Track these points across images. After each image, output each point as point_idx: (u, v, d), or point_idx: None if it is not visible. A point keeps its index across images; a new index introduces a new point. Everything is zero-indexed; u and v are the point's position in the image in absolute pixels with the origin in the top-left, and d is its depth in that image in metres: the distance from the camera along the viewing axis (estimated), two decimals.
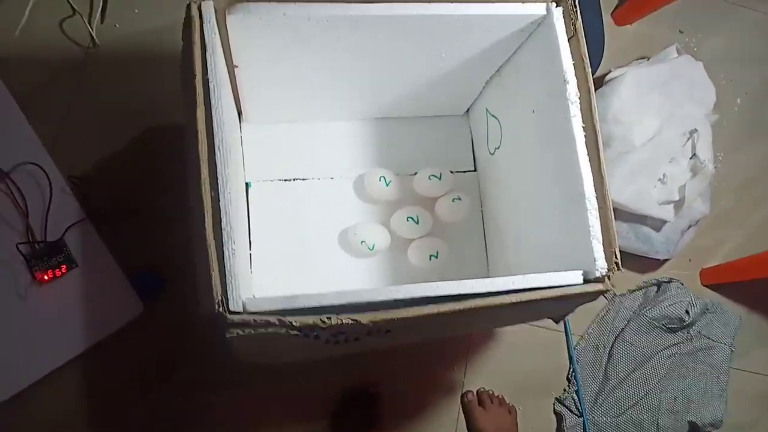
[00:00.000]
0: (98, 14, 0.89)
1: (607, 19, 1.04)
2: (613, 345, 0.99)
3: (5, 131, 0.83)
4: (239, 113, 0.85)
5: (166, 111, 0.87)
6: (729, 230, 1.05)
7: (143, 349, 0.85)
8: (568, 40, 0.63)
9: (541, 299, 0.59)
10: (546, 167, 0.69)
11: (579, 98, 0.62)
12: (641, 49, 1.04)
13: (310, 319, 0.54)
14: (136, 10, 0.91)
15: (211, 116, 0.55)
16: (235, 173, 0.68)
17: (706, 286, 1.04)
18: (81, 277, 0.82)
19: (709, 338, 1.01)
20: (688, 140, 0.90)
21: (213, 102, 0.55)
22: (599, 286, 0.60)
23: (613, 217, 0.61)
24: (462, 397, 0.93)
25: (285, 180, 0.87)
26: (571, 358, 0.99)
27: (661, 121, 0.89)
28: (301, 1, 0.59)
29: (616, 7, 1.06)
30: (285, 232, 0.85)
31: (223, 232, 0.54)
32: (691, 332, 1.00)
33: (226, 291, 0.53)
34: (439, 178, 0.87)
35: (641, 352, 0.99)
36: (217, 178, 0.55)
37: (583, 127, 0.62)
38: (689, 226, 0.95)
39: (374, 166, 0.89)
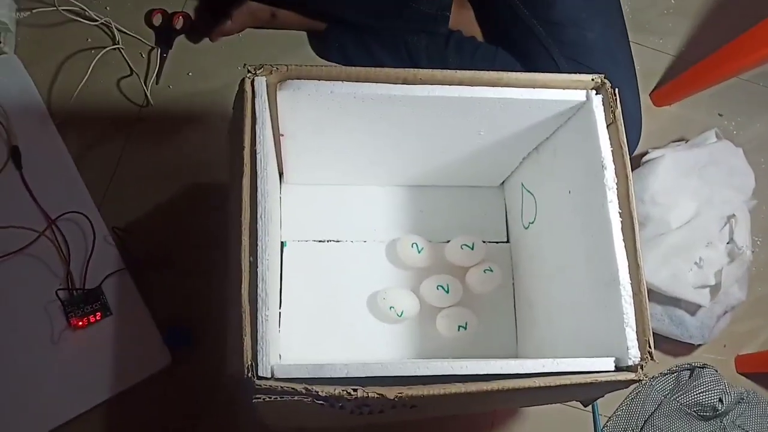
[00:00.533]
0: (154, 76, 0.94)
1: (645, 100, 1.05)
2: (642, 429, 0.96)
3: (58, 182, 0.87)
4: (280, 175, 0.87)
5: (210, 170, 0.91)
6: (766, 318, 1.02)
7: (168, 401, 0.86)
8: (607, 126, 0.64)
9: (571, 384, 0.59)
10: (580, 248, 0.69)
11: (617, 184, 0.63)
12: (679, 131, 1.04)
13: (336, 390, 0.54)
14: (190, 74, 0.96)
15: (257, 186, 0.57)
16: (274, 237, 0.70)
17: (741, 373, 1.01)
18: (114, 325, 0.84)
19: (744, 430, 0.97)
20: (725, 225, 0.89)
21: (259, 172, 0.57)
22: (631, 375, 0.59)
23: (647, 304, 0.61)
24: None
25: (319, 241, 0.89)
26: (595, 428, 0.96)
27: (698, 205, 0.88)
28: (347, 80, 0.61)
29: (654, 88, 1.08)
30: (315, 293, 0.86)
31: (258, 298, 0.55)
32: (725, 422, 0.96)
33: (256, 356, 0.54)
34: (472, 248, 0.87)
35: None
36: (257, 246, 0.56)
37: (619, 213, 0.62)
38: (725, 312, 0.93)
39: (407, 232, 0.90)
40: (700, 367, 0.98)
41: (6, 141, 0.87)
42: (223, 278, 0.79)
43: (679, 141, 1.03)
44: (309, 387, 0.53)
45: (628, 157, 0.64)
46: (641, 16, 1.08)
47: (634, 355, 0.59)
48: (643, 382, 0.98)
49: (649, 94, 1.07)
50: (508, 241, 0.93)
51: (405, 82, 0.63)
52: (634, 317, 0.60)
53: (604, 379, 0.59)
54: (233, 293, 0.56)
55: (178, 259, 0.87)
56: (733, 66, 0.91)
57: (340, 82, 0.62)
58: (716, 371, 0.97)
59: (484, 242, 0.90)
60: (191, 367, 0.85)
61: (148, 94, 0.93)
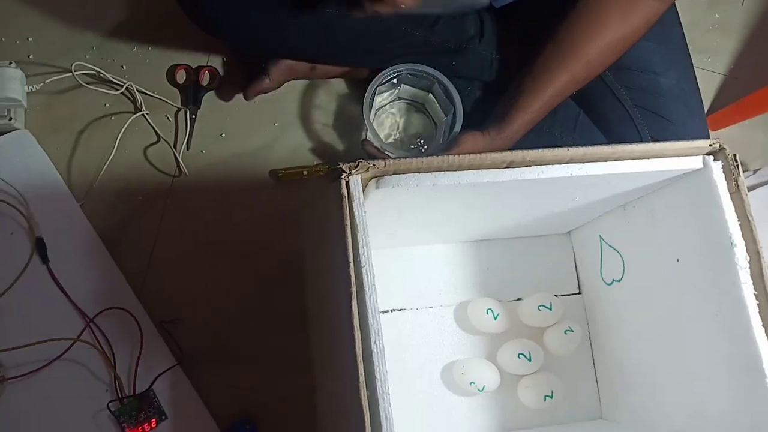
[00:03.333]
0: (185, 141, 0.85)
1: None
2: None
3: (91, 273, 0.78)
4: None
5: (258, 242, 0.82)
6: None
7: None
8: (731, 195, 0.59)
9: None
10: (699, 323, 0.63)
11: (749, 263, 0.57)
12: (739, 155, 1.00)
13: None
14: (223, 135, 0.87)
15: (366, 307, 0.50)
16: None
17: None
18: (172, 429, 0.76)
19: None
20: None
21: (367, 290, 0.50)
22: None
23: None
24: None
25: (382, 312, 0.81)
26: None
27: None
28: (449, 169, 0.54)
29: (709, 112, 1.03)
30: (401, 367, 0.80)
31: None
32: None
33: None
34: (550, 308, 0.81)
35: None
36: (375, 377, 0.49)
37: (755, 295, 0.56)
38: None
39: (473, 293, 0.84)
40: None
41: (28, 232, 0.78)
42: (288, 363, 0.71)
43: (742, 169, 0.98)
44: None
45: (757, 230, 0.58)
46: (686, 34, 1.02)
47: None
48: None
49: None
50: (579, 293, 0.87)
51: (512, 165, 0.56)
52: None
53: None
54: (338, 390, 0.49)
55: (233, 347, 0.79)
56: None
57: (443, 172, 0.54)
58: None
59: (556, 296, 0.85)
60: None
61: (181, 162, 0.84)
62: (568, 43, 0.71)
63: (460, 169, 0.55)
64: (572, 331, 0.81)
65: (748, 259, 0.57)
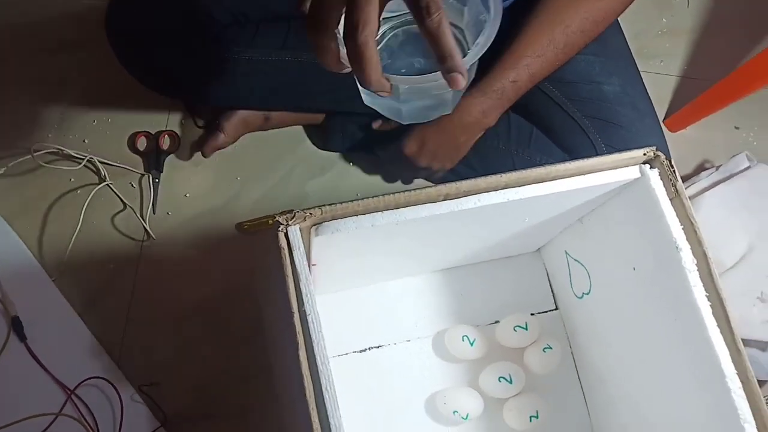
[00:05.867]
0: (150, 205, 0.86)
1: None
2: None
3: (68, 346, 0.79)
4: None
5: (232, 300, 0.83)
6: None
7: None
8: (671, 201, 0.59)
9: None
10: (661, 330, 0.63)
11: (696, 266, 0.57)
12: (702, 154, 1.00)
13: None
14: (187, 195, 0.89)
15: (315, 355, 0.50)
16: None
17: None
18: None
19: None
20: None
21: (314, 337, 0.51)
22: None
23: (759, 391, 0.55)
24: None
25: (360, 351, 0.82)
26: None
27: (750, 238, 0.84)
28: (387, 209, 0.55)
29: (667, 115, 1.03)
30: (366, 408, 0.79)
31: None
32: None
33: None
34: (526, 328, 0.81)
35: None
36: (329, 423, 0.49)
37: (707, 296, 0.57)
38: None
39: (450, 321, 0.84)
40: None
41: (3, 312, 0.79)
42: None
43: (705, 164, 0.98)
44: None
45: (701, 232, 0.58)
46: (637, 41, 1.04)
47: None
48: None
49: (663, 122, 1.02)
50: (556, 308, 0.87)
51: (447, 198, 0.57)
52: (750, 411, 0.54)
53: None
54: None
55: (215, 404, 0.80)
56: (755, 85, 0.87)
57: (380, 212, 0.55)
58: None
59: (532, 314, 0.85)
60: None
61: (147, 227, 0.85)
62: (549, 9, 0.73)
63: (397, 206, 0.56)
64: (551, 348, 0.80)
65: (695, 261, 0.57)
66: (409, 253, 0.76)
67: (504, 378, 0.79)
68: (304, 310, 0.52)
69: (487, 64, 0.76)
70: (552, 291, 0.88)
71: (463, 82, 0.38)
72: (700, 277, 0.57)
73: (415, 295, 0.86)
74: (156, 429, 0.77)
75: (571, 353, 0.85)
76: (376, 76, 0.38)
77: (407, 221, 0.56)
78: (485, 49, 0.43)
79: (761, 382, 0.92)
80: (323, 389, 0.50)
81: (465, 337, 0.80)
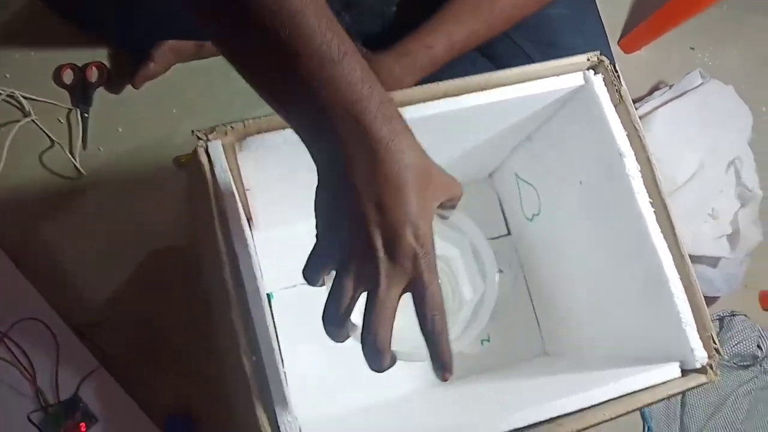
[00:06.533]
0: (80, 141, 0.81)
1: (614, 49, 0.98)
2: (684, 393, 0.92)
3: None
4: (248, 220, 0.77)
5: (168, 233, 0.80)
6: None
7: None
8: (615, 108, 0.57)
9: (642, 406, 0.53)
10: (608, 245, 0.62)
11: (640, 172, 0.55)
12: (657, 75, 0.98)
13: None
14: (119, 129, 0.84)
15: (239, 272, 0.48)
16: (260, 295, 0.61)
17: (767, 309, 0.97)
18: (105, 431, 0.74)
19: None
20: (729, 167, 0.84)
21: (240, 256, 0.48)
22: (702, 378, 0.54)
23: (702, 296, 0.55)
24: None
25: (303, 284, 0.79)
26: (643, 415, 0.92)
27: (701, 154, 0.83)
28: None
29: (621, 36, 1.01)
30: (317, 340, 0.76)
31: (275, 404, 0.46)
32: (765, 365, 0.93)
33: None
34: None
35: (716, 395, 0.91)
36: (258, 341, 0.47)
37: (650, 203, 0.55)
38: (745, 256, 0.88)
39: None
40: (729, 316, 0.94)
41: None
42: (214, 353, 0.70)
43: (660, 84, 0.97)
44: None
45: (646, 138, 0.56)
46: None
47: (700, 356, 0.53)
48: None
49: (618, 43, 1.00)
50: (509, 233, 0.86)
51: None
52: (691, 315, 0.54)
53: (674, 390, 0.53)
54: (243, 400, 0.47)
55: (160, 343, 0.77)
56: (706, 1, 0.85)
57: None
58: (746, 317, 0.93)
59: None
60: None
61: (77, 164, 0.80)
62: None
63: None
64: (502, 272, 0.79)
65: (639, 168, 0.56)
66: None
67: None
68: (229, 231, 0.49)
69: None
70: (504, 216, 0.86)
71: (450, 377, 0.41)
72: (644, 183, 0.56)
73: None
74: (95, 369, 0.74)
75: (524, 277, 0.84)
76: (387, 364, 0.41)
77: None
78: None
79: (711, 299, 0.94)
80: (250, 305, 0.48)
81: None
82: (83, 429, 0.73)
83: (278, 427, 0.45)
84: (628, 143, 0.56)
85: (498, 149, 0.75)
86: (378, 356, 0.39)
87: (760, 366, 0.93)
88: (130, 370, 0.76)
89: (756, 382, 0.92)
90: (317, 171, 0.41)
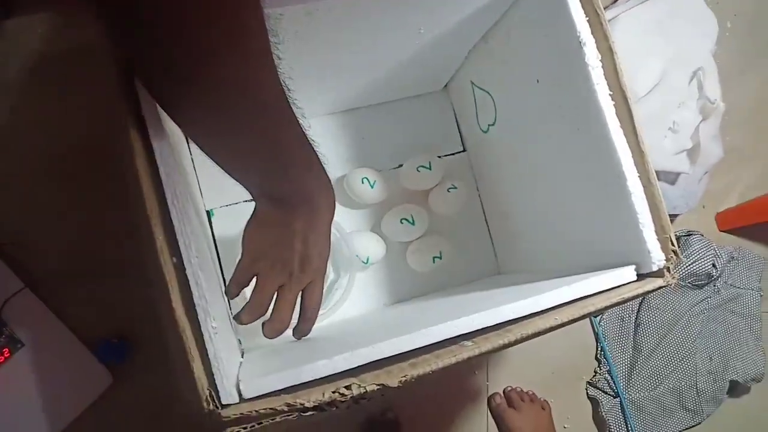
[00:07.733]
0: None
1: None
2: (638, 313, 0.91)
3: None
4: (187, 141, 0.71)
5: (94, 149, 0.73)
6: (740, 168, 0.97)
7: (122, 423, 0.73)
8: None
9: (595, 310, 0.50)
10: (565, 145, 0.58)
11: (601, 61, 0.51)
12: None
13: (325, 394, 0.43)
14: (40, 31, 0.75)
15: (157, 164, 0.42)
16: (197, 211, 0.56)
17: (724, 231, 0.96)
18: (32, 356, 0.69)
19: (735, 287, 0.93)
20: (692, 79, 0.81)
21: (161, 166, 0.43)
22: (658, 282, 0.51)
23: (661, 195, 0.51)
24: (489, 401, 0.84)
25: (250, 200, 0.74)
26: (596, 335, 0.91)
27: (664, 64, 0.79)
28: None
29: None
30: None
31: (197, 308, 0.42)
32: (718, 284, 0.92)
33: (214, 382, 0.41)
34: (429, 168, 0.75)
35: (669, 315, 0.91)
36: (177, 242, 0.42)
37: (610, 95, 0.51)
38: (705, 173, 0.86)
39: (352, 166, 0.78)
40: (686, 235, 0.92)
41: None
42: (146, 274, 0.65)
43: None
44: (291, 401, 0.42)
45: (608, 25, 0.52)
46: None
47: (657, 258, 0.50)
48: None
49: None
50: (464, 150, 0.82)
51: None
52: (649, 215, 0.51)
53: (630, 294, 0.50)
54: (166, 311, 0.42)
55: (92, 264, 0.72)
56: None
57: None
58: (702, 236, 0.92)
59: (440, 157, 0.79)
60: (138, 381, 0.72)
61: None
62: None
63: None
64: (455, 188, 0.76)
65: (599, 57, 0.51)
66: (298, 84, 0.67)
67: (406, 220, 0.75)
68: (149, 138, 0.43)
69: None
70: (459, 131, 0.82)
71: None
72: (605, 74, 0.51)
73: (315, 137, 0.77)
74: (20, 290, 0.69)
75: (478, 193, 0.80)
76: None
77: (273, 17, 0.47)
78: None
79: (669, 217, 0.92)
80: (169, 203, 0.43)
81: (365, 179, 0.74)
82: (7, 354, 0.68)
83: (216, 386, 0.41)
84: (589, 29, 0.51)
85: (453, 50, 0.70)
86: (280, 327, 0.54)
87: (714, 286, 0.92)
88: (60, 292, 0.71)
89: (709, 302, 0.92)
90: (256, 210, 0.54)
